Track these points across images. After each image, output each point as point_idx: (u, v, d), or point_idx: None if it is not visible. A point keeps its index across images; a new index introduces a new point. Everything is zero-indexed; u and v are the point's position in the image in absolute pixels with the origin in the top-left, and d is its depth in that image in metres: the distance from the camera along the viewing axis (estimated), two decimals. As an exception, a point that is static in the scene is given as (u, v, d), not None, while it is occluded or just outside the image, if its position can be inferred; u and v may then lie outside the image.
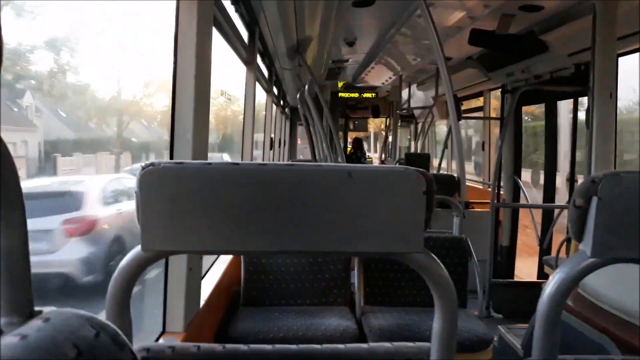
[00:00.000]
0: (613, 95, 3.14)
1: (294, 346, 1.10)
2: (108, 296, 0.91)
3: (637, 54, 3.58)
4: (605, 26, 3.04)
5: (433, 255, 0.93)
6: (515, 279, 5.61)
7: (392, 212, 0.88)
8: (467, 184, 6.08)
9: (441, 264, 0.93)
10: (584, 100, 4.58)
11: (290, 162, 0.89)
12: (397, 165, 0.94)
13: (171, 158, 2.01)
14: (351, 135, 13.83)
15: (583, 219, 0.94)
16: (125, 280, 0.91)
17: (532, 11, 3.97)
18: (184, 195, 0.86)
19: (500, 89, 6.06)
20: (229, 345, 1.09)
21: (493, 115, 7.08)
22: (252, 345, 1.09)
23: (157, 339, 1.97)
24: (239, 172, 0.87)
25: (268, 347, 1.09)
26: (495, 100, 7.01)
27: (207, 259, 2.92)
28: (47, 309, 0.68)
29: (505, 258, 5.65)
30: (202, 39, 2.03)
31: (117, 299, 0.91)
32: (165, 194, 0.86)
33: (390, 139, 11.58)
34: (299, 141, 12.87)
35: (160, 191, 0.86)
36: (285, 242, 0.88)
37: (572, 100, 4.99)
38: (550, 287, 0.97)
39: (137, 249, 0.89)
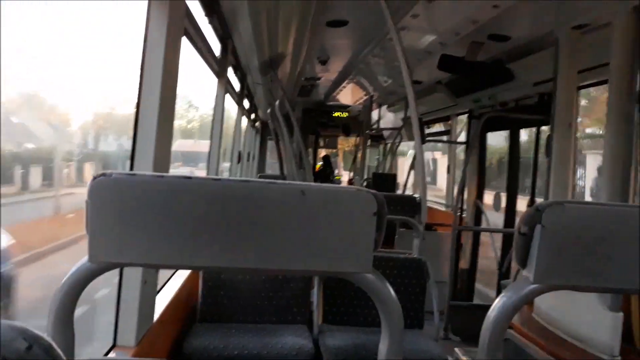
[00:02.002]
0: (573, 125, 3.24)
1: None
2: (50, 308, 0.89)
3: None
4: (566, 58, 3.14)
5: (381, 276, 0.94)
6: (475, 302, 5.68)
7: (343, 231, 0.89)
8: (430, 205, 6.15)
9: (388, 285, 0.94)
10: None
11: (245, 178, 0.89)
12: (364, 184, 0.96)
13: (131, 168, 1.98)
14: (321, 153, 13.89)
15: (527, 246, 0.96)
16: (70, 292, 0.89)
17: (500, 40, 4.08)
18: (135, 207, 0.85)
19: (467, 114, 6.19)
20: None
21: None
22: None
23: (107, 353, 1.91)
24: (192, 186, 0.86)
25: None
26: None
27: (164, 272, 2.87)
28: None
29: (465, 281, 5.71)
30: (170, 49, 2.02)
31: (60, 311, 0.89)
32: (117, 205, 0.85)
33: (359, 157, 11.69)
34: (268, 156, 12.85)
35: (111, 201, 0.84)
36: (237, 259, 0.88)
37: (535, 128, 5.13)
38: (494, 311, 0.98)
39: (84, 259, 0.87)
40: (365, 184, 9.34)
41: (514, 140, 5.47)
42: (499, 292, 5.26)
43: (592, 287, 0.96)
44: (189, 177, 0.86)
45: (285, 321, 3.18)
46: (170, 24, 1.99)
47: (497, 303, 0.98)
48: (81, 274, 0.88)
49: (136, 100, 2.01)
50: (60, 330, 0.89)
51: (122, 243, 0.85)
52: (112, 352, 1.94)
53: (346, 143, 16.81)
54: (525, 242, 0.96)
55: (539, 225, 0.93)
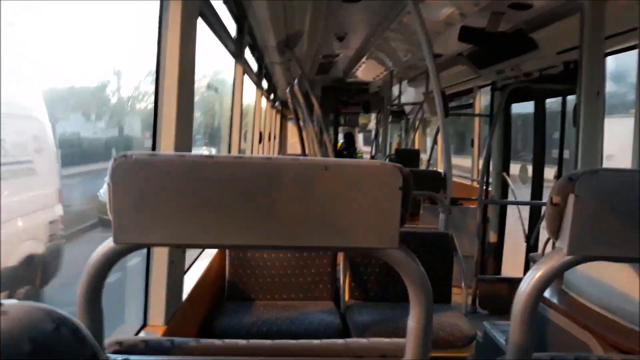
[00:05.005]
0: (600, 94, 3.14)
1: (268, 341, 1.09)
2: (79, 290, 0.90)
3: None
4: (593, 25, 3.04)
5: (409, 252, 0.92)
6: (503, 275, 5.64)
7: (368, 207, 0.87)
8: (455, 180, 6.10)
9: (417, 260, 0.92)
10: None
11: (267, 155, 0.88)
12: (387, 160, 0.94)
13: (153, 149, 1.99)
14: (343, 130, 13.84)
15: (560, 217, 0.94)
16: (97, 273, 0.90)
17: (521, 9, 3.97)
18: (157, 187, 0.85)
19: (490, 86, 6.08)
20: (203, 340, 1.08)
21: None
22: (227, 340, 1.08)
23: (138, 332, 1.95)
24: (214, 165, 0.86)
25: (242, 341, 1.09)
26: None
27: (191, 252, 2.91)
28: (7, 302, 0.66)
29: (492, 254, 5.67)
30: (186, 31, 2.01)
31: (88, 293, 0.90)
32: (138, 186, 0.85)
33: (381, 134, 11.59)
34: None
35: (133, 182, 0.84)
36: (261, 236, 0.87)
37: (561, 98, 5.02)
38: (526, 283, 0.96)
39: (109, 241, 0.88)
40: (388, 160, 9.28)
41: (538, 111, 5.36)
42: (527, 265, 5.22)
43: (627, 257, 0.93)
44: (211, 156, 0.86)
45: (312, 298, 3.21)
46: (185, 6, 1.97)
47: (529, 275, 0.96)
48: (106, 255, 0.89)
49: (155, 81, 2.01)
50: (89, 311, 0.90)
51: (146, 223, 0.85)
52: (142, 331, 1.98)
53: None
54: (558, 212, 0.93)
55: (572, 195, 0.91)
